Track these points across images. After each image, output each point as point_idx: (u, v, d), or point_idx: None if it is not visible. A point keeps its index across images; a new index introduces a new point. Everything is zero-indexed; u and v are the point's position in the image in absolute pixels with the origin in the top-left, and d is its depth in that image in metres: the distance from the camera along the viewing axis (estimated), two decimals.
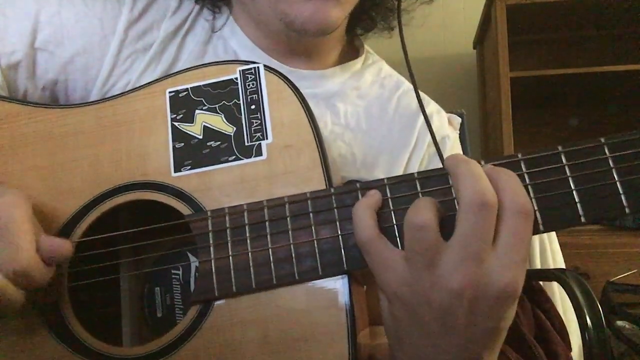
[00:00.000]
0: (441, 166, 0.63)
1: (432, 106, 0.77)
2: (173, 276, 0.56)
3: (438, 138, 0.72)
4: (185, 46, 0.67)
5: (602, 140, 0.42)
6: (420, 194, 0.44)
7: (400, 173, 0.69)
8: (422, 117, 0.70)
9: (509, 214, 0.38)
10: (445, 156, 0.71)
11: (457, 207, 0.39)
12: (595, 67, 1.75)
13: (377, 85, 0.74)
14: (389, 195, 0.44)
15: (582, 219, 0.41)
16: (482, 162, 0.42)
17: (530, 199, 0.41)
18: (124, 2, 0.65)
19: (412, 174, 0.44)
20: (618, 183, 0.41)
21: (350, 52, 0.76)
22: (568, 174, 0.42)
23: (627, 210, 0.40)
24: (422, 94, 0.76)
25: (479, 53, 2.10)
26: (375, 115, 0.71)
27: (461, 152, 0.77)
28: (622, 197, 0.40)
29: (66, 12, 0.63)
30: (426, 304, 0.39)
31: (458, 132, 0.78)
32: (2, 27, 0.60)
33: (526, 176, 0.42)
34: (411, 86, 0.72)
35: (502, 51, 1.74)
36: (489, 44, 1.88)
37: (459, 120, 0.79)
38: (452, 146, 0.75)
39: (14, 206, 0.43)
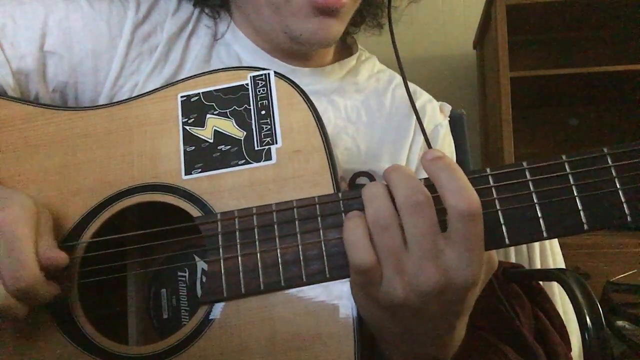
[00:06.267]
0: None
1: (424, 97, 0.79)
2: (179, 278, 0.56)
3: (431, 127, 0.76)
4: (190, 49, 0.68)
5: (605, 150, 0.43)
6: None
7: (404, 162, 0.72)
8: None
9: (456, 217, 0.39)
10: (439, 144, 0.75)
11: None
12: (595, 67, 1.76)
13: (373, 80, 0.77)
14: None
15: (585, 227, 0.42)
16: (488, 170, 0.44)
17: (534, 204, 0.43)
18: (128, 6, 0.66)
19: None
20: (620, 191, 0.42)
21: (344, 49, 0.79)
22: (572, 182, 0.43)
23: (628, 218, 0.41)
24: (413, 86, 0.79)
25: (479, 53, 2.10)
26: (373, 107, 0.73)
27: (451, 138, 0.80)
28: (624, 205, 0.42)
29: (74, 15, 0.64)
30: (402, 306, 0.41)
31: (448, 118, 0.81)
32: (11, 31, 0.61)
33: (530, 184, 0.43)
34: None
35: (502, 51, 1.74)
36: (489, 44, 1.89)
37: (449, 107, 0.81)
38: (445, 133, 0.78)
39: (17, 221, 0.43)
